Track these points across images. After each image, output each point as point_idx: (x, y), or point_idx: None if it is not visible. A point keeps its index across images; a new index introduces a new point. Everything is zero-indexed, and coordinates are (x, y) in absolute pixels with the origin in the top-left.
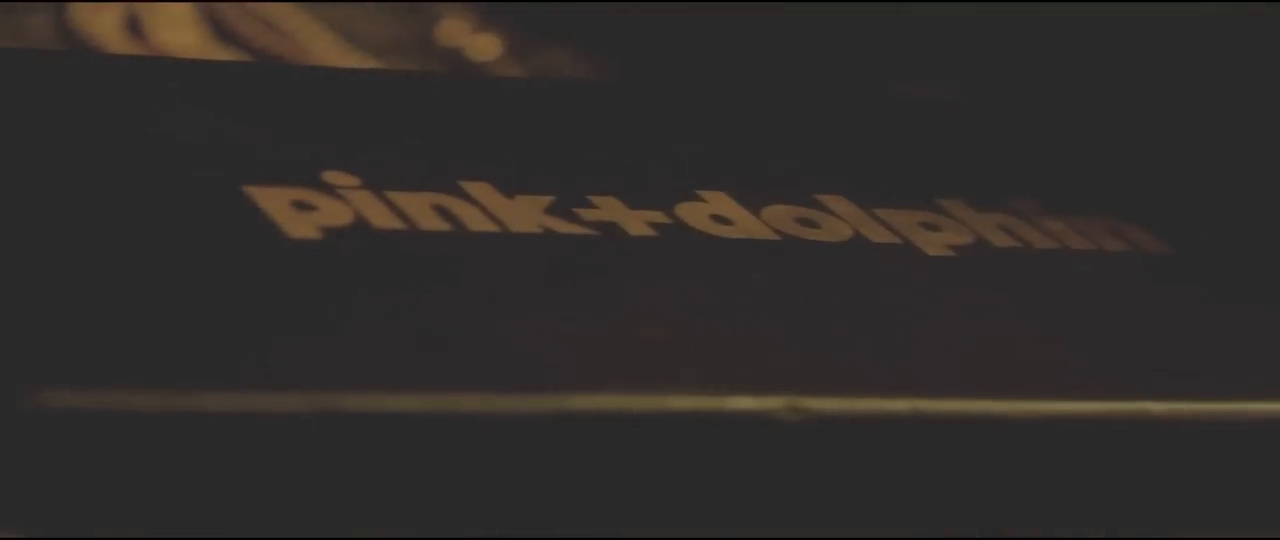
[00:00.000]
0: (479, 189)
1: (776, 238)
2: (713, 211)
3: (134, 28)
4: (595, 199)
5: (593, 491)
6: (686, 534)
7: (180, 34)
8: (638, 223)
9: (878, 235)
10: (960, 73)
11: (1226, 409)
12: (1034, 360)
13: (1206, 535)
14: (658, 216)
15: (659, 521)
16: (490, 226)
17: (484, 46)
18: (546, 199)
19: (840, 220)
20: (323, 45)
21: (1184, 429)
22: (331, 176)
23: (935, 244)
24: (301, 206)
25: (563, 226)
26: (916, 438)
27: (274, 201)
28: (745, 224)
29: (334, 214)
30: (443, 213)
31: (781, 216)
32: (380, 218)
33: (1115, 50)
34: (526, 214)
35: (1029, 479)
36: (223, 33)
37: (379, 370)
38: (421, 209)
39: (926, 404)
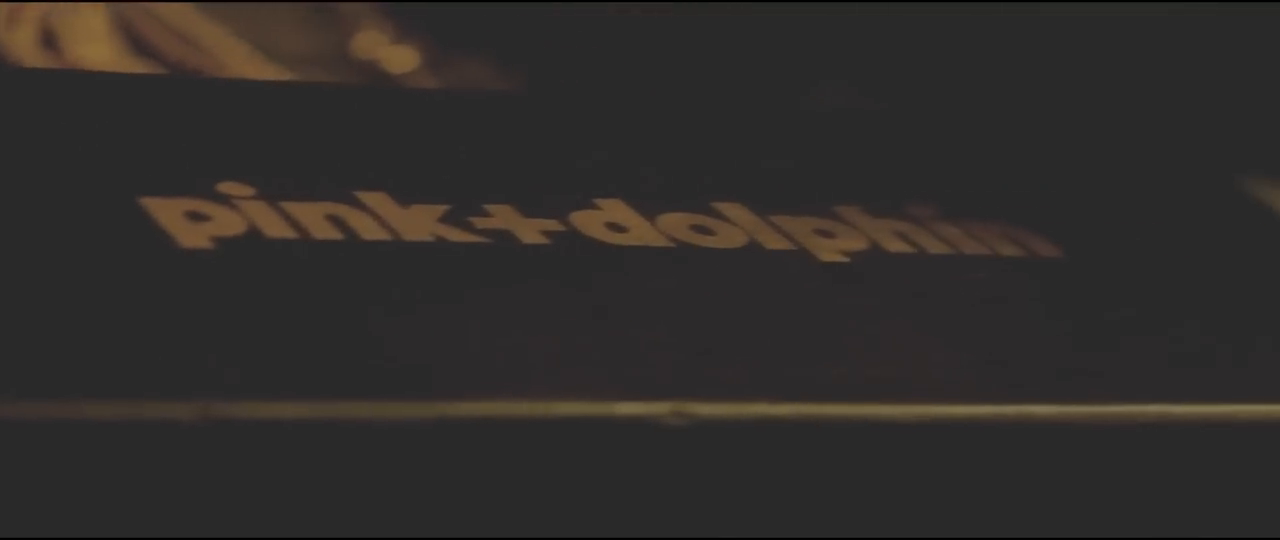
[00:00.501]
0: (374, 198)
1: (671, 245)
2: (608, 219)
3: (50, 42)
4: (490, 208)
5: (479, 496)
6: (572, 538)
7: (96, 48)
8: (531, 231)
9: (772, 242)
10: (864, 82)
11: (1116, 412)
12: (923, 365)
13: (1095, 536)
14: (552, 225)
15: (546, 525)
16: (383, 235)
17: (401, 57)
18: (441, 208)
19: (735, 227)
20: (239, 57)
21: (1073, 432)
22: (227, 187)
23: (829, 250)
24: (195, 217)
25: (456, 235)
26: (802, 442)
27: (168, 212)
28: (640, 231)
29: (227, 224)
30: (336, 222)
31: (677, 224)
32: (273, 227)
33: (1009, 61)
34: (420, 223)
35: (917, 483)
36: (139, 46)
37: (265, 378)
38: (315, 219)
39: (811, 409)
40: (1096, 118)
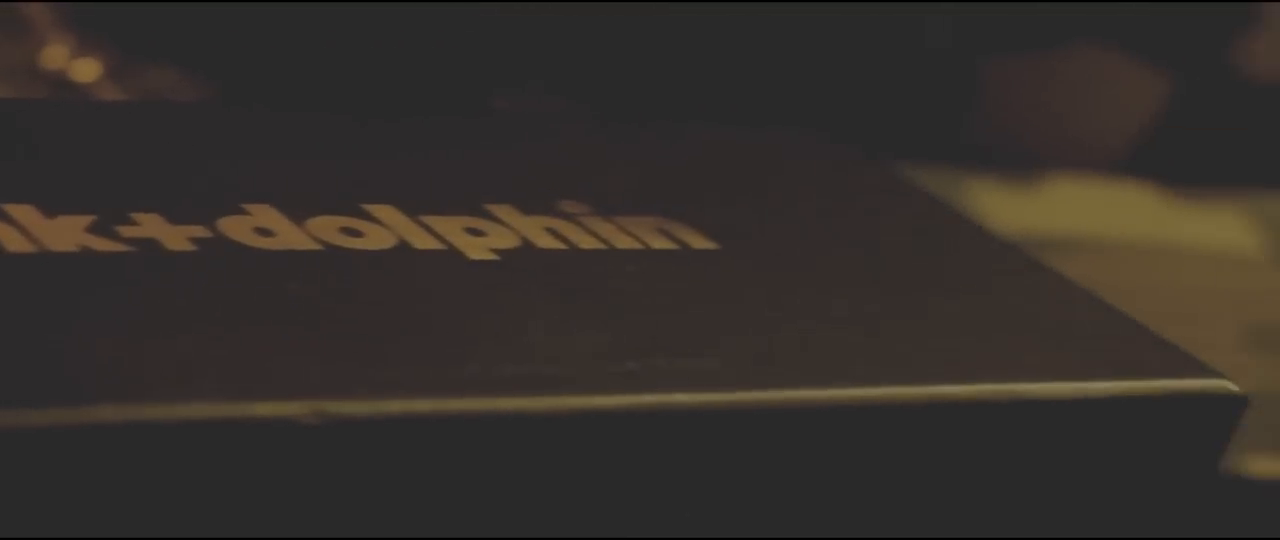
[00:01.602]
0: (20, 211)
1: (319, 248)
2: (256, 225)
3: None
4: (138, 217)
5: (120, 498)
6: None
7: None
8: (178, 238)
9: (421, 242)
10: (556, 85)
11: (767, 398)
12: (568, 358)
13: (748, 531)
14: (199, 232)
15: (185, 525)
16: (28, 247)
17: (85, 69)
18: (88, 218)
19: (385, 229)
20: None
21: (724, 420)
22: None
23: (478, 248)
24: None
25: (102, 244)
26: (442, 438)
27: None
28: (288, 236)
29: None
30: None
31: (326, 227)
32: None
33: (664, 58)
34: (66, 233)
35: (561, 476)
36: None
37: None
38: None
39: (450, 404)
40: (747, 110)
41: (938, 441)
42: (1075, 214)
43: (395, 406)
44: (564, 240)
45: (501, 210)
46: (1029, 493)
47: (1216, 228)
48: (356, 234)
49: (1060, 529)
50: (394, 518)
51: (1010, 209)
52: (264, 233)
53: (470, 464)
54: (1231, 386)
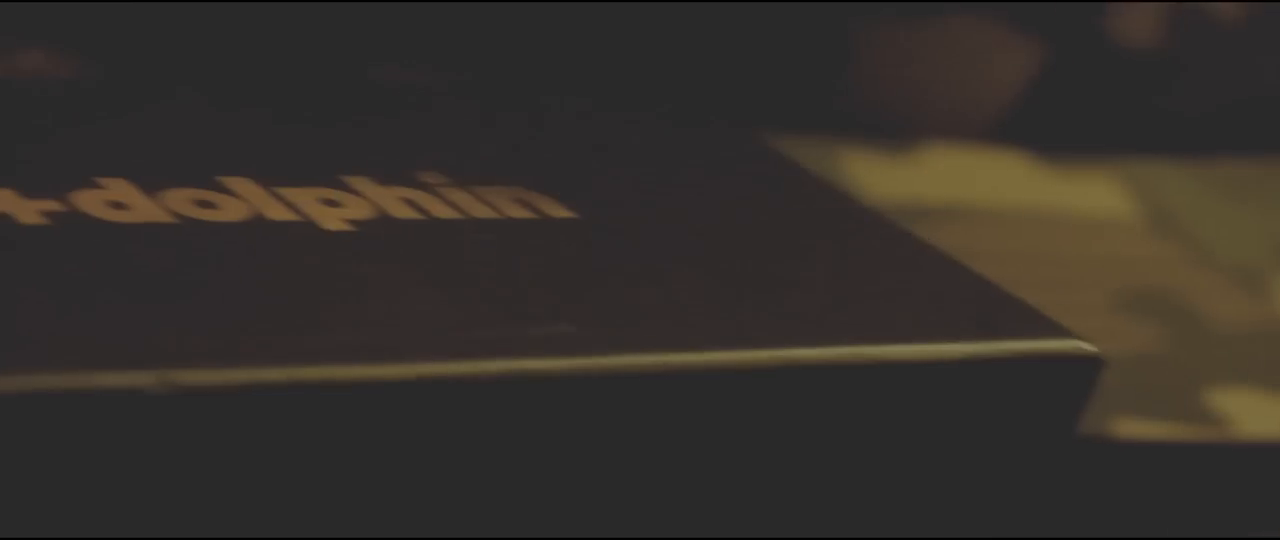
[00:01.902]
0: None
1: (174, 221)
2: (109, 198)
3: None
4: None
5: None
6: (53, 523)
7: None
8: (29, 212)
9: (276, 213)
10: (430, 58)
11: (628, 363)
12: (423, 325)
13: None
14: (51, 206)
15: (30, 498)
16: None
17: None
18: None
19: (241, 201)
20: None
21: (581, 385)
22: None
23: (333, 219)
24: None
25: None
26: (291, 407)
27: None
28: (142, 209)
29: None
30: None
31: (181, 200)
32: None
33: (542, 32)
34: None
35: (412, 444)
36: None
37: None
38: None
39: (299, 373)
40: (615, 79)
41: (792, 405)
42: (949, 182)
43: (244, 376)
44: (420, 210)
45: (359, 181)
46: (887, 456)
47: (1090, 195)
48: (211, 206)
49: (919, 491)
50: (243, 487)
51: (883, 178)
52: (117, 206)
53: (320, 433)
54: (1087, 347)
